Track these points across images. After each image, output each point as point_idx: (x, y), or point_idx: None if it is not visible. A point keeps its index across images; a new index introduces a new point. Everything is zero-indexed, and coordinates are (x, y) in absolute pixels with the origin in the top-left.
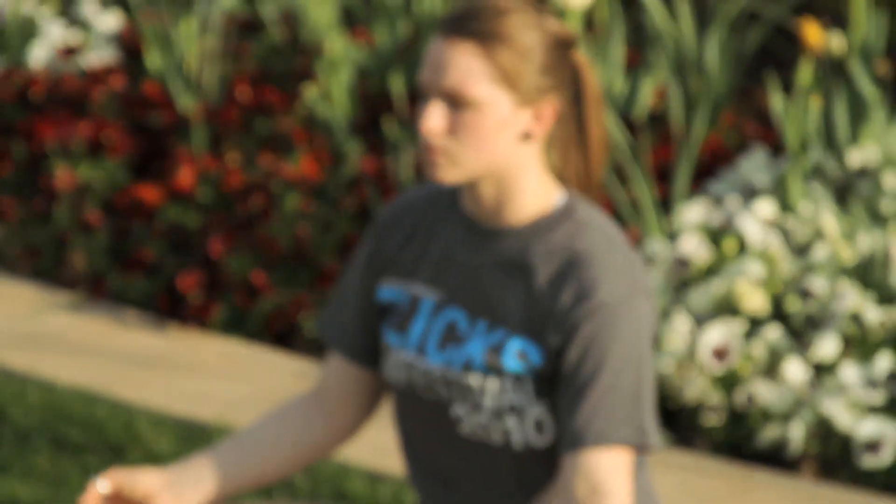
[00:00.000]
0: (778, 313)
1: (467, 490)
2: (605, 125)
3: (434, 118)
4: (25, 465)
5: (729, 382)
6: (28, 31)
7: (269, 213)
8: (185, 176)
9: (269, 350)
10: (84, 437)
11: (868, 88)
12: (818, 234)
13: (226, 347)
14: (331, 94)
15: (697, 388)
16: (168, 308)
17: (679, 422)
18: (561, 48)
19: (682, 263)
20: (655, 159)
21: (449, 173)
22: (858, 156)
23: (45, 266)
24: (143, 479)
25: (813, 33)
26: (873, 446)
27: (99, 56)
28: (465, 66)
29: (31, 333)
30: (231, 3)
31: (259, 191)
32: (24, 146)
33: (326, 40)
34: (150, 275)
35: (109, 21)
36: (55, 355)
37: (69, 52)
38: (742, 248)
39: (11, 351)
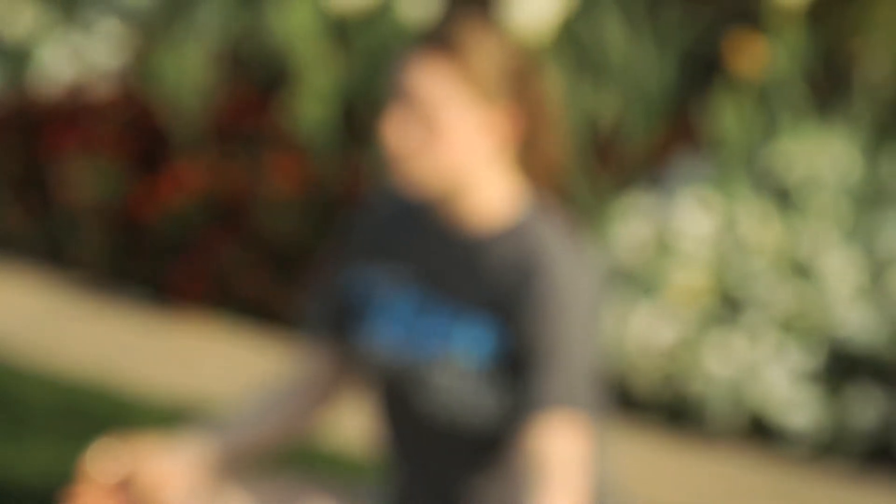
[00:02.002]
0: (716, 300)
1: (435, 469)
2: (560, 138)
3: (397, 123)
4: (23, 446)
5: (670, 366)
6: (27, 50)
7: (256, 214)
8: (181, 179)
9: (255, 334)
10: (81, 416)
11: (797, 101)
12: (752, 229)
13: (215, 332)
14: (311, 107)
15: (641, 371)
16: (162, 296)
17: (627, 401)
18: (521, 64)
19: (623, 258)
20: (602, 166)
21: (412, 176)
22: (785, 163)
23: (48, 257)
24: (138, 463)
25: (743, 51)
26: (800, 424)
27: (100, 62)
28: (430, 74)
29: (35, 319)
30: (218, 33)
31: (247, 195)
32: (29, 151)
33: (307, 54)
34: (147, 267)
35: (110, 29)
36: (57, 339)
37: (75, 87)
38: (679, 241)
39: (15, 336)
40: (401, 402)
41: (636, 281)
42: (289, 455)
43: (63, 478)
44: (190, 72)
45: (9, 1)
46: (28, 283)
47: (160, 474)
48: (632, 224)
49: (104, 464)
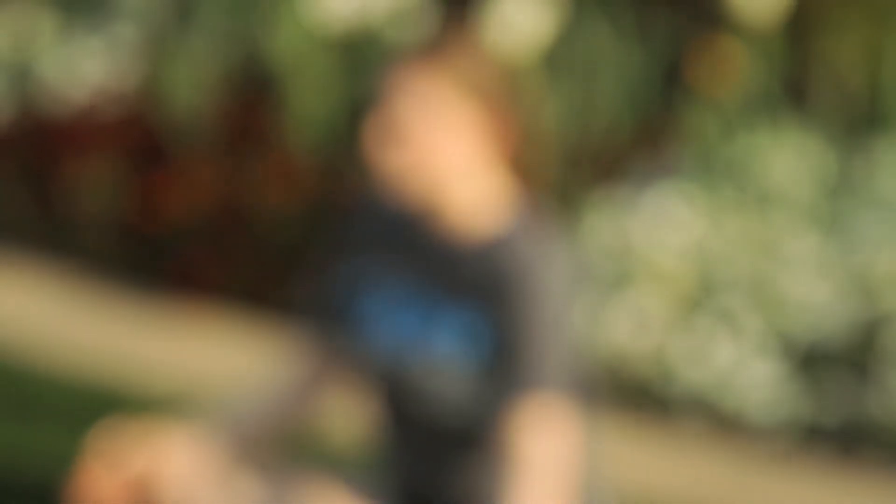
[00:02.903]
0: (692, 297)
1: (430, 461)
2: (541, 142)
3: (380, 134)
4: (29, 436)
5: (647, 361)
6: (31, 61)
7: (255, 217)
8: (183, 182)
9: (254, 330)
10: (87, 407)
11: (772, 101)
12: (728, 226)
13: (216, 327)
14: (305, 118)
15: (618, 367)
16: (166, 291)
17: (604, 396)
18: (502, 74)
19: (601, 255)
20: (583, 166)
21: (395, 184)
22: (760, 162)
23: (54, 253)
24: (146, 453)
25: (720, 55)
26: (775, 420)
27: (103, 74)
28: (413, 86)
29: (42, 313)
30: (216, 48)
31: (246, 198)
32: (37, 156)
33: (301, 68)
34: (150, 264)
35: (113, 41)
36: (63, 333)
37: (79, 96)
38: (656, 240)
39: (22, 328)
40: (392, 398)
41: (614, 278)
42: (290, 447)
43: (69, 467)
44: (190, 83)
45: (12, 15)
46: (35, 278)
47: (169, 464)
48: (611, 222)
49: (108, 447)
